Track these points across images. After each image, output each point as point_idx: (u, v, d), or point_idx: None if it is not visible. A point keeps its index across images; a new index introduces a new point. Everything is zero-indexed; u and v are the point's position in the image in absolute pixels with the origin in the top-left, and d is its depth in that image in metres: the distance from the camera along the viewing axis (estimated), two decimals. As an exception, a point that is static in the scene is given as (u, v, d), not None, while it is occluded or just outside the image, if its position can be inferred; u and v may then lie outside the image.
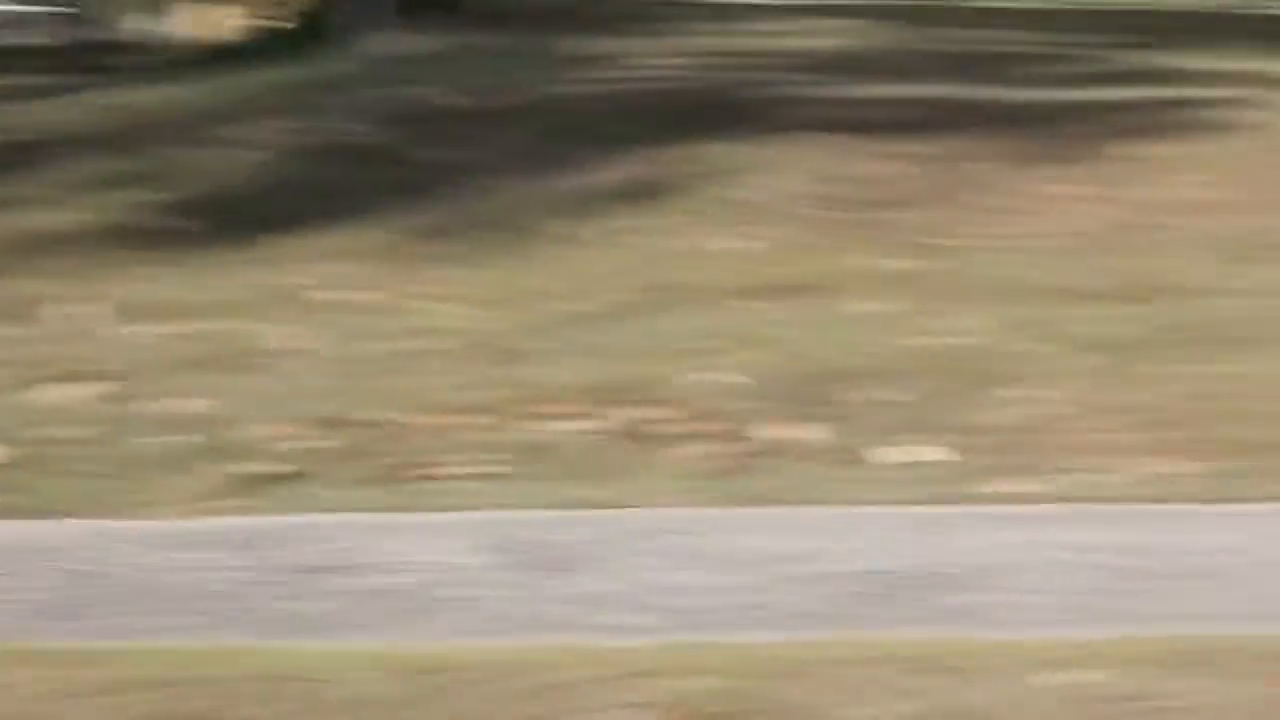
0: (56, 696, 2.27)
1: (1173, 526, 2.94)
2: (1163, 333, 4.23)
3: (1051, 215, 5.66)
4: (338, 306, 4.69)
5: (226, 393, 3.84)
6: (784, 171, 6.18)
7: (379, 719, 2.26)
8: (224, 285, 4.87)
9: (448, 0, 13.67)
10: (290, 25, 13.78)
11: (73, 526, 2.98)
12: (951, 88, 8.61)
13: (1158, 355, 4.04)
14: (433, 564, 2.78)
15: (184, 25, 20.41)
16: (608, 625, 2.55)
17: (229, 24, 18.45)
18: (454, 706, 2.28)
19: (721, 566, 2.78)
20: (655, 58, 9.60)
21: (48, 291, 4.71)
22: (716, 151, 6.47)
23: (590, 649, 2.45)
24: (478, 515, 3.02)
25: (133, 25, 24.35)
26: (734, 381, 3.89)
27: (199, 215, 5.75)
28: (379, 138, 6.80)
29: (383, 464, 3.32)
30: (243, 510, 3.06)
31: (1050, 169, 6.30)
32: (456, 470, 3.29)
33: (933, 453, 3.36)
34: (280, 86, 8.64)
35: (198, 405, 3.71)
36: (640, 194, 5.91)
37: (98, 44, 19.69)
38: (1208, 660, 2.39)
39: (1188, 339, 4.18)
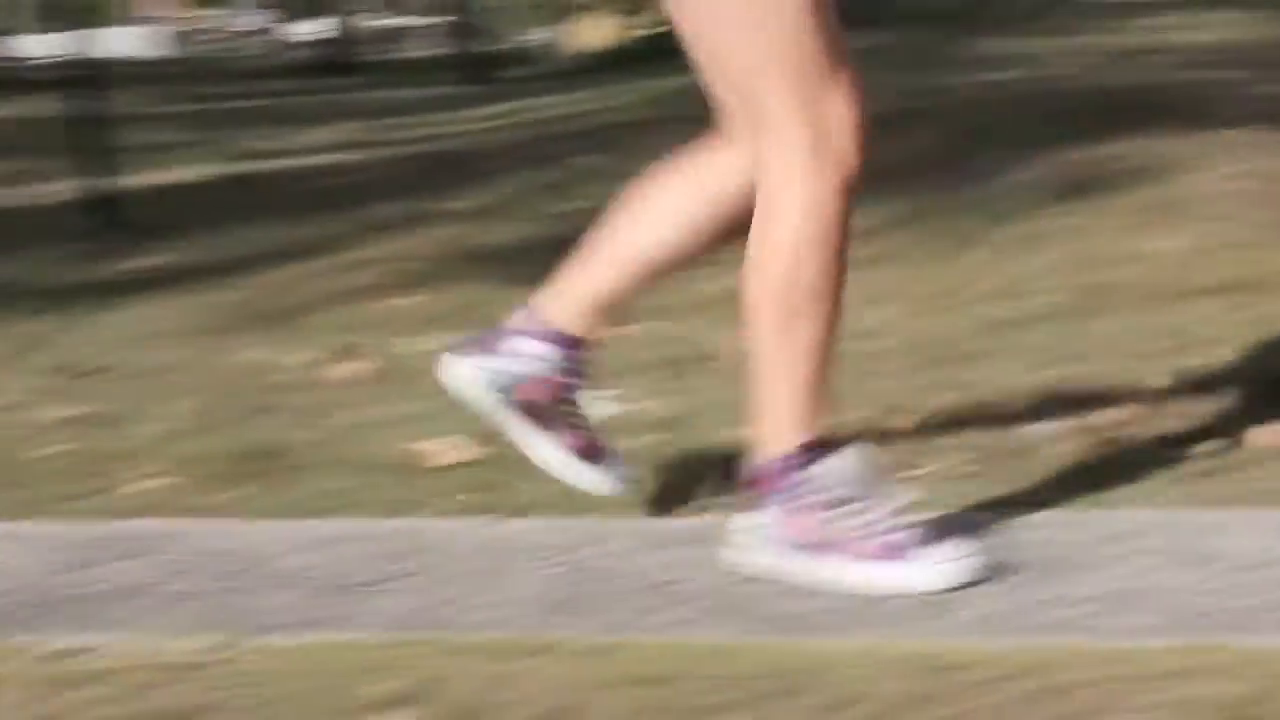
0: (583, 688, 2.35)
1: None
2: None
3: None
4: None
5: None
6: (1216, 168, 6.06)
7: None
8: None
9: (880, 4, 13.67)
10: (665, 31, 13.97)
11: (574, 526, 3.09)
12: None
13: None
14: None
15: (567, 35, 20.94)
16: (1106, 628, 2.52)
17: (607, 33, 18.81)
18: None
19: (1211, 568, 2.72)
20: (1058, 56, 9.52)
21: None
22: (1143, 149, 6.38)
23: (1096, 651, 2.41)
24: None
25: (520, 36, 24.98)
26: (1188, 381, 3.83)
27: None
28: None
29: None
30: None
31: None
32: (926, 470, 3.30)
33: None
34: (673, 93, 8.77)
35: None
36: (1066, 193, 5.86)
37: (486, 55, 20.27)
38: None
39: None
